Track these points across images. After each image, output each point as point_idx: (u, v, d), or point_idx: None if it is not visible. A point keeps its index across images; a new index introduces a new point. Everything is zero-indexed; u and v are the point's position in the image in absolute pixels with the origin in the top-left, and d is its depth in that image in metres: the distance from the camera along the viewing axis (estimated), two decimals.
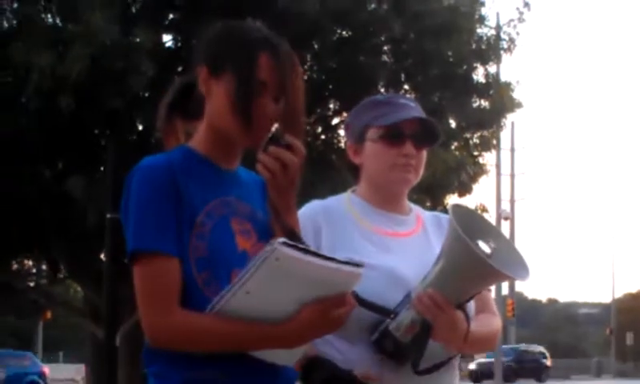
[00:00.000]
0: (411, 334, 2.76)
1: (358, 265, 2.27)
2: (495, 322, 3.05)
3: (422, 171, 3.04)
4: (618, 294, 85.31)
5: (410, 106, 3.03)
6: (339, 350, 2.77)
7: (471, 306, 2.94)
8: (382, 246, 2.91)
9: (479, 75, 15.30)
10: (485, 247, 2.76)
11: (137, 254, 2.29)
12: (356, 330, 2.66)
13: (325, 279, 2.22)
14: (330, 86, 14.57)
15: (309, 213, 2.95)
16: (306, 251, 2.17)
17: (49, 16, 13.41)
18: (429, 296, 2.73)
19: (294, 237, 2.36)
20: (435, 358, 2.83)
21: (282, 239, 2.16)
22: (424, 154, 3.03)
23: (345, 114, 14.65)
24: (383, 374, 2.82)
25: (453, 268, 2.72)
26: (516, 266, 2.80)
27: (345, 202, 3.05)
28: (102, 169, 13.83)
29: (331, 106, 15.35)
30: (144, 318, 2.30)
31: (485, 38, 15.23)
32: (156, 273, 2.28)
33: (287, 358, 2.38)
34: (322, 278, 2.21)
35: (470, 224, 2.76)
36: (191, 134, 2.50)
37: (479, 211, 17.66)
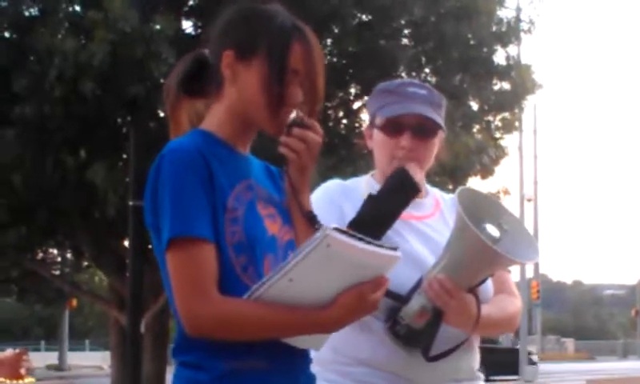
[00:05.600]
0: (423, 319, 2.77)
1: (394, 248, 2.30)
2: (513, 304, 3.04)
3: (427, 161, 3.02)
4: None
5: (418, 96, 3.02)
6: (352, 334, 2.78)
7: (489, 288, 2.96)
8: (398, 229, 2.92)
9: (500, 57, 15.26)
10: (493, 231, 2.76)
11: (175, 240, 2.26)
12: (368, 315, 2.67)
13: (367, 263, 2.24)
14: (351, 71, 14.55)
15: (330, 192, 2.98)
16: (353, 236, 2.19)
17: (68, 4, 13.43)
18: (439, 282, 2.74)
19: (312, 218, 2.43)
20: (451, 342, 2.84)
21: (332, 226, 2.18)
22: (429, 144, 3.02)
23: (366, 98, 14.62)
24: (399, 360, 2.84)
25: (460, 254, 2.73)
26: (526, 248, 2.80)
27: (362, 185, 3.07)
28: (124, 156, 13.87)
29: (352, 90, 15.33)
30: (182, 306, 2.26)
31: (505, 19, 15.17)
32: (195, 259, 2.25)
33: (314, 342, 2.39)
34: (364, 263, 2.23)
35: (479, 207, 2.77)
36: (197, 113, 2.49)
37: (502, 194, 17.70)
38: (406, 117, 2.98)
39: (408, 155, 2.98)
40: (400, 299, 2.77)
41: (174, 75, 2.50)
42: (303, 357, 2.42)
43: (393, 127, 2.99)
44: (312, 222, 2.45)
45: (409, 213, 3.01)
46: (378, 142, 3.04)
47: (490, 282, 2.94)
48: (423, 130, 3.00)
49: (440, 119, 3.02)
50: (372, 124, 3.08)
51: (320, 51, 2.46)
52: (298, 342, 2.34)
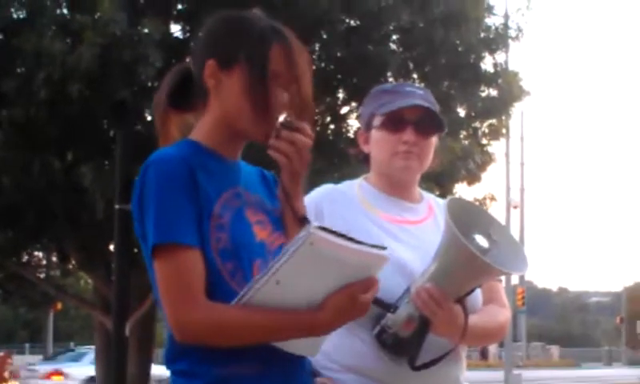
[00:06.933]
0: (410, 328, 2.76)
1: (382, 248, 2.28)
2: (502, 314, 3.03)
3: (427, 159, 3.02)
4: (629, 283, 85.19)
5: (415, 93, 3.03)
6: (339, 340, 2.76)
7: (478, 297, 2.94)
8: (389, 232, 2.91)
9: (487, 64, 15.28)
10: (483, 241, 2.76)
11: (159, 247, 2.26)
12: (356, 323, 2.66)
13: (354, 263, 2.22)
14: (339, 76, 14.54)
15: (315, 196, 2.97)
16: (338, 235, 2.17)
17: (56, 7, 13.39)
18: (427, 291, 2.73)
19: (305, 223, 2.40)
20: (438, 352, 2.83)
21: (315, 224, 2.17)
22: (429, 142, 3.02)
23: (353, 104, 14.64)
24: (385, 369, 2.83)
25: (449, 264, 2.72)
26: (515, 259, 2.80)
27: (355, 188, 3.06)
28: (110, 160, 13.84)
29: (340, 95, 15.31)
30: (170, 312, 2.25)
31: (493, 26, 15.21)
32: (180, 265, 2.25)
33: (309, 348, 2.38)
34: (351, 262, 2.21)
35: (469, 217, 2.76)
36: (188, 126, 2.48)
37: (488, 200, 17.71)
38: (408, 110, 2.97)
39: (410, 150, 2.97)
40: (388, 307, 2.76)
41: (162, 90, 2.49)
42: (299, 363, 2.40)
43: (395, 122, 2.98)
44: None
45: (402, 217, 3.01)
46: (377, 141, 3.03)
47: (478, 292, 2.93)
48: (425, 124, 2.99)
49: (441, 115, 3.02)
50: (368, 126, 3.07)
51: (303, 51, 2.44)
52: (293, 347, 2.32)
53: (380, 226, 2.94)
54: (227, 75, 2.39)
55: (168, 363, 2.35)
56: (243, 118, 2.38)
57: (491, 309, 3.00)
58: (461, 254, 2.67)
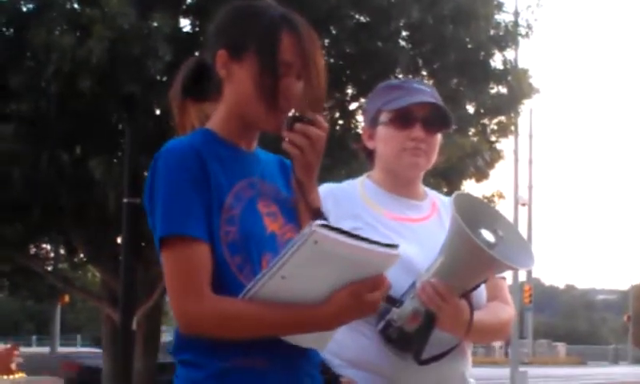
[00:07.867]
0: (415, 323, 2.76)
1: (393, 246, 2.27)
2: (506, 311, 3.02)
3: (434, 156, 3.02)
4: (636, 281, 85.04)
5: (423, 90, 3.02)
6: (340, 334, 2.76)
7: (482, 294, 2.94)
8: (394, 230, 2.90)
9: (497, 61, 15.26)
10: (489, 236, 2.75)
11: (166, 239, 2.26)
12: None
13: (361, 261, 2.21)
14: (348, 72, 14.53)
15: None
16: (344, 233, 2.16)
17: (65, 1, 13.40)
18: (432, 286, 2.73)
19: (319, 215, 2.39)
20: (443, 347, 2.83)
21: (319, 221, 2.16)
22: (436, 139, 3.01)
23: (362, 100, 14.63)
24: (389, 363, 2.82)
25: (455, 259, 2.72)
26: (521, 254, 2.79)
27: (358, 186, 3.05)
28: (119, 154, 13.85)
29: (349, 91, 15.30)
30: (175, 304, 2.26)
31: (503, 23, 15.18)
32: (186, 258, 2.25)
33: (316, 341, 2.37)
34: (358, 260, 2.20)
35: (475, 213, 2.76)
36: (207, 116, 2.48)
37: (496, 198, 17.71)
38: (417, 107, 2.97)
39: (419, 146, 2.97)
40: (393, 302, 2.76)
41: (178, 81, 2.50)
42: (307, 358, 2.39)
43: (403, 119, 2.97)
44: (319, 218, 2.39)
45: (405, 215, 3.00)
46: (384, 138, 3.01)
47: (483, 288, 2.92)
48: (434, 120, 2.99)
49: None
50: (374, 122, 3.05)
51: (314, 39, 2.42)
52: (300, 340, 2.32)
53: (384, 224, 2.93)
54: (238, 65, 2.38)
55: (174, 353, 2.35)
56: (253, 108, 2.37)
57: (495, 306, 2.99)
58: (467, 247, 2.66)
